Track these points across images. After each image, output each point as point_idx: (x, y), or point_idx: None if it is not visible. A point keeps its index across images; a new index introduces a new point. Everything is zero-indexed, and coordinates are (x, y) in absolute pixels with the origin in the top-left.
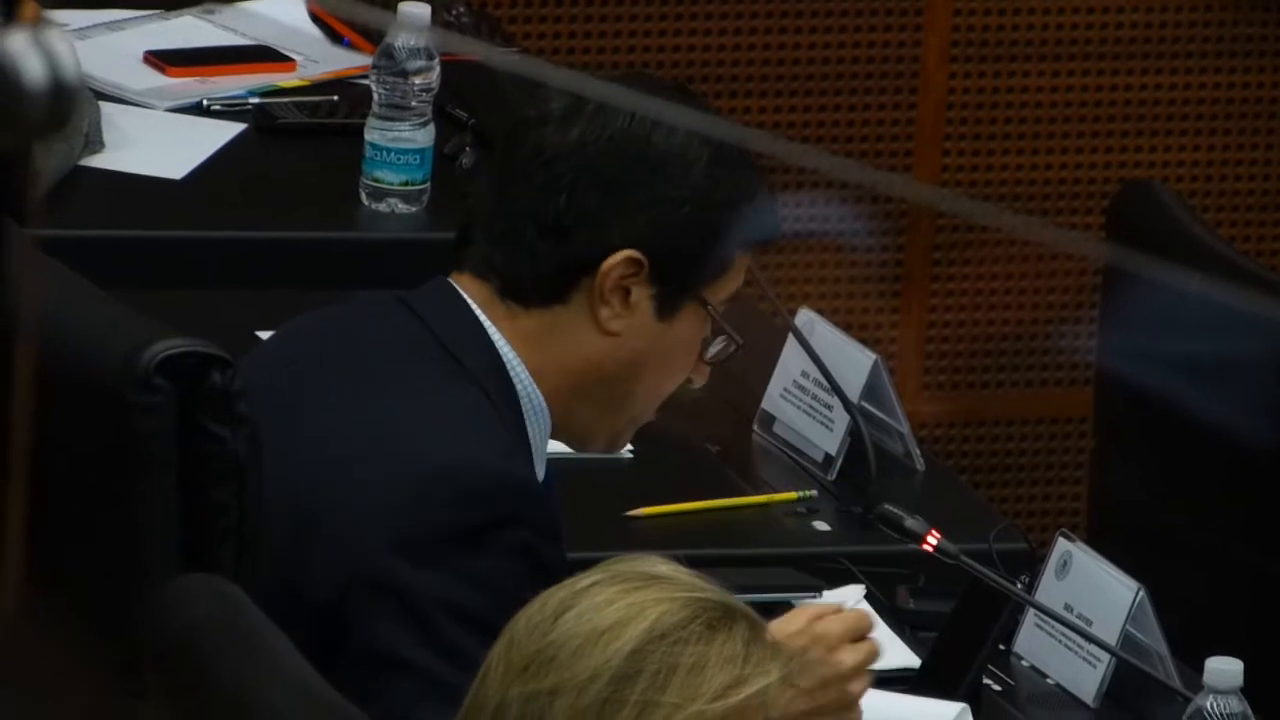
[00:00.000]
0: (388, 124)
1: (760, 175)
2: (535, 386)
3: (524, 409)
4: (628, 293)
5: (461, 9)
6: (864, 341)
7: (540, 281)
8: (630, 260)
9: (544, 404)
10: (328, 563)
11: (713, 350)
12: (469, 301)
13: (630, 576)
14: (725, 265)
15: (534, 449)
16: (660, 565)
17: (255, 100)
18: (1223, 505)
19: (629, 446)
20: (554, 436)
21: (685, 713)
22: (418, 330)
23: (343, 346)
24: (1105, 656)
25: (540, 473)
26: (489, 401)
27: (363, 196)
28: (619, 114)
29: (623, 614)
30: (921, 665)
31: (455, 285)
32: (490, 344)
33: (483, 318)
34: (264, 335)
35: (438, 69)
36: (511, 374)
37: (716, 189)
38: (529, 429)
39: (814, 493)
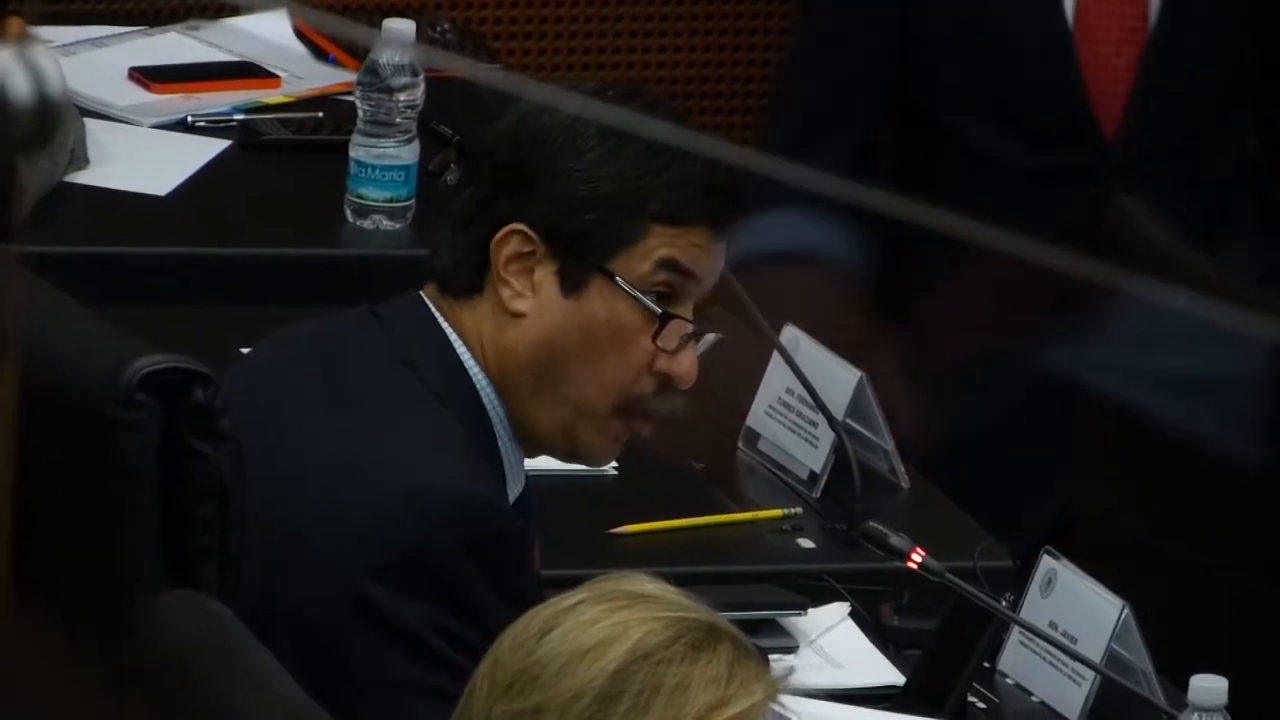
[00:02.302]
0: (372, 140)
1: (666, 149)
2: (493, 388)
3: (492, 421)
4: (533, 274)
5: (446, 25)
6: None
7: (458, 273)
8: (521, 236)
9: (503, 406)
10: (309, 587)
11: (672, 339)
12: (433, 310)
13: (615, 595)
14: (632, 236)
15: (506, 463)
16: (646, 584)
17: (240, 117)
18: (1205, 522)
19: (613, 463)
20: (527, 453)
21: None
22: (387, 346)
23: (320, 365)
24: (1090, 674)
25: (517, 487)
26: (453, 418)
27: (347, 213)
28: (524, 107)
29: (607, 633)
30: (906, 683)
31: (423, 296)
32: (453, 352)
33: (443, 323)
34: (248, 352)
35: (422, 85)
36: (476, 384)
37: (606, 158)
38: (500, 442)
39: (799, 510)
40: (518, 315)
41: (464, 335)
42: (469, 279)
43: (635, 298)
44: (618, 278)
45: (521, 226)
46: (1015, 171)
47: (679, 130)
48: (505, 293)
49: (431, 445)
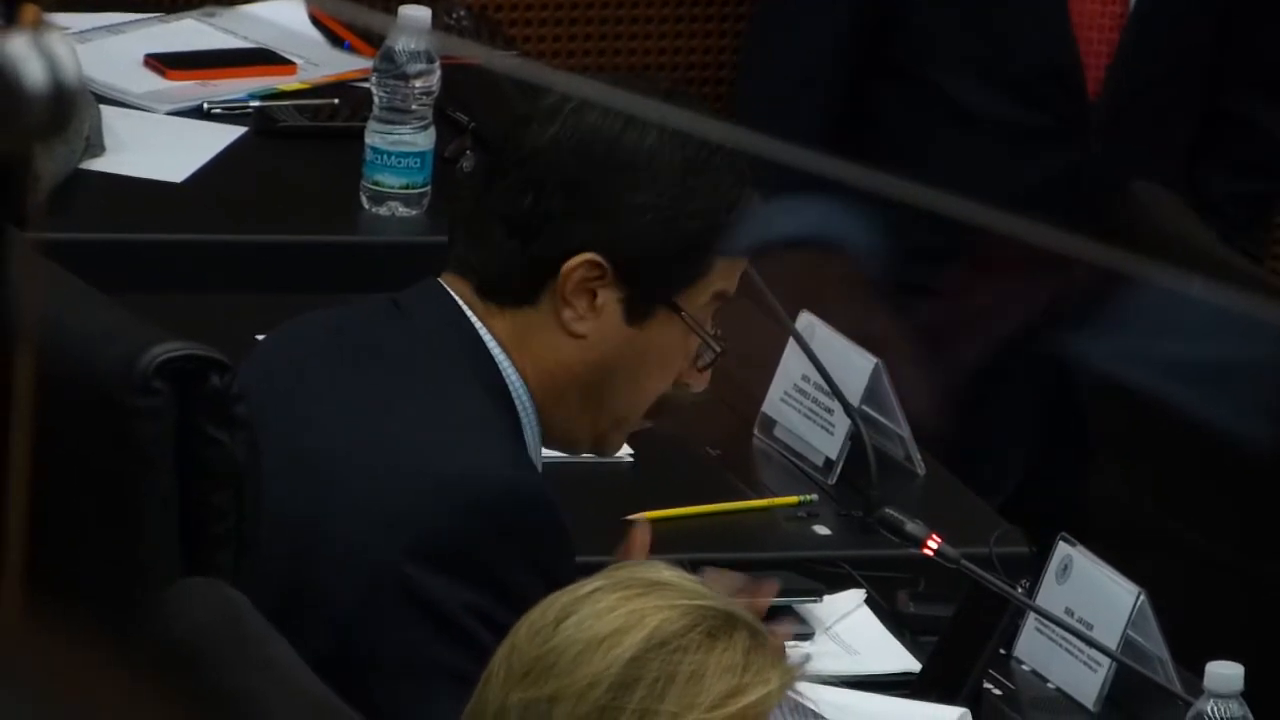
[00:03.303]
0: (388, 127)
1: (741, 182)
2: (525, 387)
3: (518, 411)
4: (595, 295)
5: (462, 12)
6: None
7: (510, 281)
8: (591, 263)
9: (533, 406)
10: (343, 571)
11: (706, 359)
12: (459, 302)
13: (632, 583)
14: (700, 271)
15: (530, 452)
16: (664, 571)
17: (256, 103)
18: (1221, 509)
19: (628, 450)
20: (543, 443)
21: None
22: (414, 333)
23: (345, 352)
24: (1106, 661)
25: None
26: (492, 405)
27: (363, 200)
28: (594, 112)
29: (623, 621)
30: (922, 670)
31: (445, 286)
32: (482, 345)
33: (473, 318)
34: (262, 339)
35: (438, 72)
36: (503, 374)
37: (688, 195)
38: (525, 432)
39: (814, 497)
40: (577, 336)
41: (498, 335)
42: (522, 290)
43: (704, 339)
44: (685, 314)
45: (597, 258)
46: (1000, 129)
47: (725, 127)
48: (567, 314)
49: (474, 430)
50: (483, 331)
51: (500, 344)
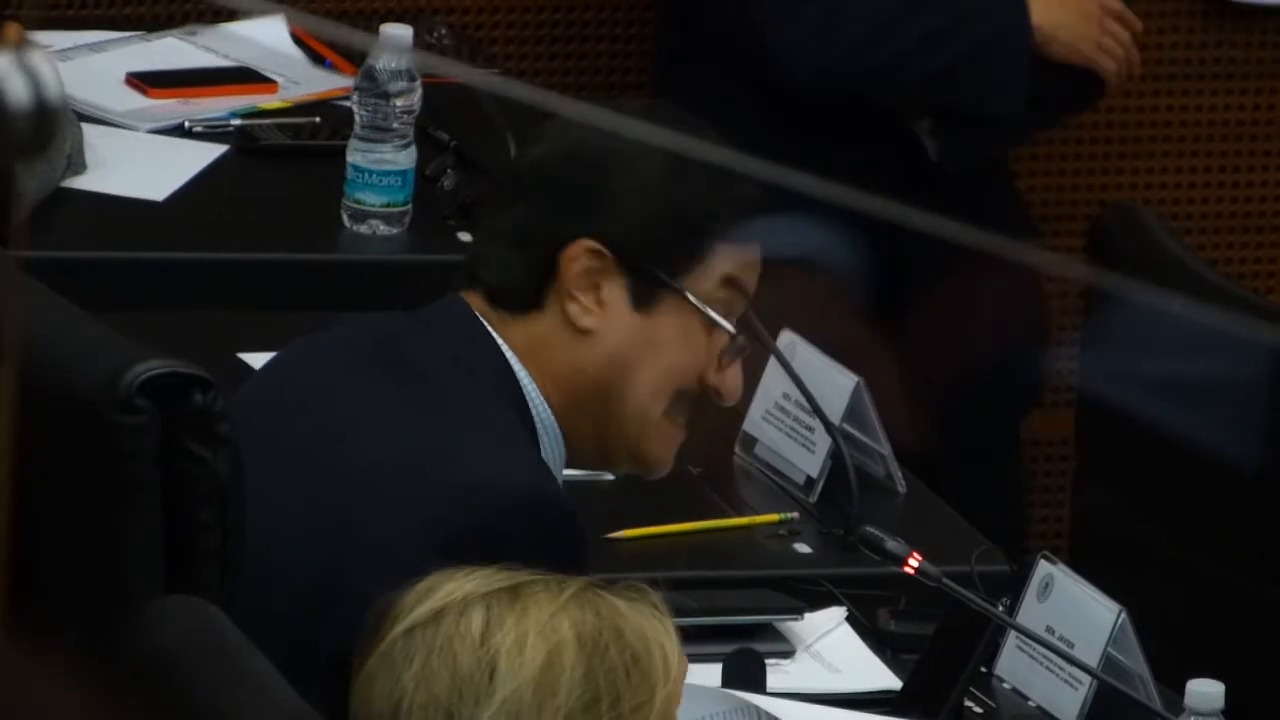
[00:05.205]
0: (369, 145)
1: (729, 173)
2: (545, 404)
3: (537, 427)
4: (600, 289)
5: (443, 31)
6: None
7: (515, 289)
8: (591, 251)
9: (554, 422)
10: (376, 569)
11: (731, 352)
12: (481, 319)
13: (491, 599)
14: (700, 253)
15: (550, 468)
16: (467, 580)
17: (237, 122)
18: (1204, 527)
19: None
20: (574, 464)
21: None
22: (440, 347)
23: (377, 364)
24: (1086, 679)
25: None
26: (515, 418)
27: (344, 218)
28: (582, 128)
29: (550, 641)
30: (903, 688)
31: (466, 302)
32: (503, 358)
33: (490, 330)
34: (246, 356)
35: (419, 91)
36: (524, 390)
37: (675, 175)
38: (543, 448)
39: (795, 515)
40: (585, 332)
41: (514, 346)
42: (525, 295)
43: (710, 318)
44: (690, 295)
45: (595, 243)
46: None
47: (709, 146)
48: (573, 309)
49: (501, 438)
50: (502, 344)
51: (517, 356)
